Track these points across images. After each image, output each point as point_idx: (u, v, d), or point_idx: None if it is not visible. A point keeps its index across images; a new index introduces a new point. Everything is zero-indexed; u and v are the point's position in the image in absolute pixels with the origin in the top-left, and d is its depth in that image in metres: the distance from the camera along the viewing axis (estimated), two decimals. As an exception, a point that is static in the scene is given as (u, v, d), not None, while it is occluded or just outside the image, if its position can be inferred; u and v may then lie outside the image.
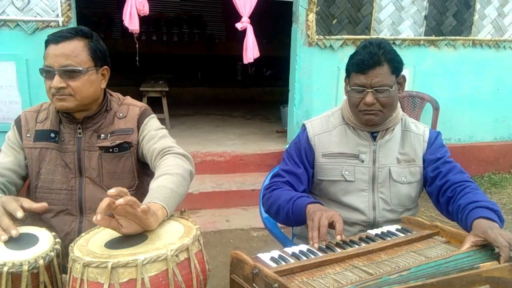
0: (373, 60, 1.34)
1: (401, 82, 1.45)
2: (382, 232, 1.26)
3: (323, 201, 1.53)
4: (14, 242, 1.02)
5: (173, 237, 1.02)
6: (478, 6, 4.21)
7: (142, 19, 3.65)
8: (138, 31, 3.63)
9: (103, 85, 1.42)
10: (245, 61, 3.95)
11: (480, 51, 4.34)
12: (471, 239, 1.11)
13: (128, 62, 6.18)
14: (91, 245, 1.00)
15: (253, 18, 3.83)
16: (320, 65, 3.99)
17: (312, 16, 3.88)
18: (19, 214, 1.07)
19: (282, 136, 4.57)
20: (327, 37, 3.95)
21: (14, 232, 1.03)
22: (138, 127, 1.45)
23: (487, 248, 1.11)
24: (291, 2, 3.99)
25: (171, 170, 1.25)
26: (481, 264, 1.02)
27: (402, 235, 1.24)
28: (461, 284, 0.95)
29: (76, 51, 1.32)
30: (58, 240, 1.06)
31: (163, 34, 8.47)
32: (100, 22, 7.89)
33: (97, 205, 1.40)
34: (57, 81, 1.29)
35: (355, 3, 3.96)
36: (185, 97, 7.15)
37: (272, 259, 1.06)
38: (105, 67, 1.42)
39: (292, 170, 1.51)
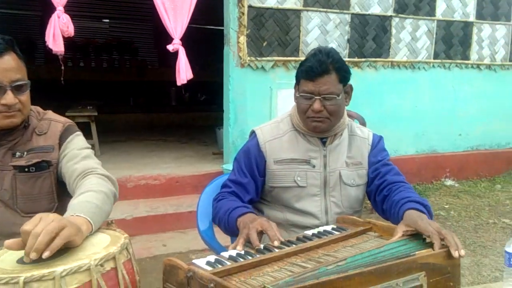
0: (322, 68, 1.37)
1: (348, 91, 1.48)
2: (318, 232, 1.26)
3: (276, 207, 1.52)
4: None
5: (97, 248, 0.94)
6: (394, 31, 4.60)
7: (69, 46, 3.51)
8: (63, 52, 3.45)
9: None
10: (178, 83, 3.92)
11: (398, 72, 4.71)
12: (402, 228, 1.15)
13: (52, 89, 5.88)
14: (2, 262, 0.89)
15: (186, 43, 3.84)
16: (253, 86, 4.07)
17: (243, 39, 3.97)
18: None
19: (218, 158, 4.54)
20: (258, 58, 4.05)
21: None
22: (60, 144, 1.34)
23: (417, 237, 1.15)
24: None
25: (95, 188, 1.17)
26: (416, 252, 1.05)
27: (337, 233, 1.25)
28: (398, 271, 0.97)
29: (19, 63, 1.24)
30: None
31: (91, 61, 8.18)
32: (21, 48, 7.42)
33: (9, 229, 1.28)
34: (11, 98, 1.21)
35: (283, 26, 4.13)
36: (117, 124, 6.90)
37: (208, 263, 1.01)
38: None
39: (238, 180, 1.50)
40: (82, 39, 7.75)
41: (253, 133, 1.56)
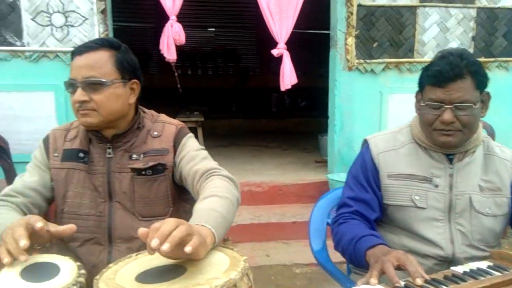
0: (454, 72, 1.17)
1: (484, 100, 1.25)
2: (471, 270, 1.02)
3: (391, 229, 1.32)
4: (31, 272, 0.86)
5: (216, 271, 0.84)
6: (530, 24, 3.94)
7: (179, 54, 3.66)
8: (175, 60, 3.61)
9: (132, 100, 1.30)
10: (282, 88, 3.84)
11: (534, 72, 4.02)
12: None
13: (164, 97, 6.30)
14: (120, 278, 0.84)
15: (289, 48, 3.75)
16: (361, 90, 3.81)
17: (351, 40, 3.74)
18: (22, 242, 0.89)
19: (322, 166, 4.34)
20: (367, 61, 3.78)
21: (22, 258, 0.88)
22: (175, 147, 1.31)
23: None
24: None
25: (219, 193, 1.10)
26: None
27: (497, 273, 0.99)
28: None
29: (100, 62, 1.22)
30: (82, 271, 0.90)
31: (198, 68, 8.60)
32: (138, 58, 8.11)
33: (128, 233, 1.26)
34: (79, 94, 1.19)
35: (396, 25, 3.80)
36: (220, 130, 7.12)
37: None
38: (134, 80, 1.30)
39: (360, 197, 1.32)
40: (191, 48, 8.18)
41: (365, 142, 1.38)
